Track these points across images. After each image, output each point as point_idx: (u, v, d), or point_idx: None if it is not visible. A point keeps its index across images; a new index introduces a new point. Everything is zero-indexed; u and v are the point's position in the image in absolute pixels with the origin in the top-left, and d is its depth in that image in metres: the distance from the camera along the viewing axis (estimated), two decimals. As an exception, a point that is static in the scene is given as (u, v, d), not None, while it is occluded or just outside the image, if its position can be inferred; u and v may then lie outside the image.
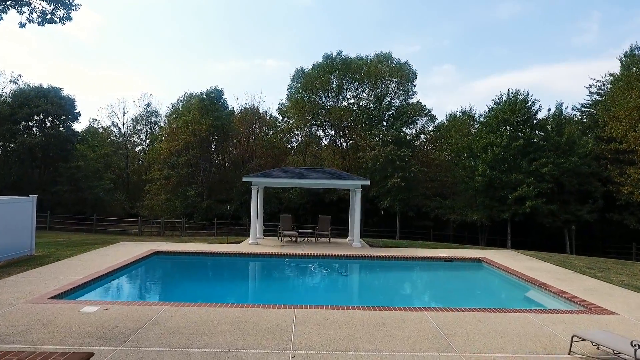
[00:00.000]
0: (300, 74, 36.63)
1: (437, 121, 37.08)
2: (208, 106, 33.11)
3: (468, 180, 29.59)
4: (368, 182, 15.80)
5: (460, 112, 38.01)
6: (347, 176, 16.55)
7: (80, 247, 14.40)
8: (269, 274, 12.86)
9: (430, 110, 35.89)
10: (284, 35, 65.67)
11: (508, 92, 29.24)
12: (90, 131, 45.34)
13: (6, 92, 32.13)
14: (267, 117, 39.43)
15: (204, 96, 33.89)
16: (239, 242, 16.43)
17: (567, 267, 12.44)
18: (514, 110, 27.82)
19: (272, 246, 15.43)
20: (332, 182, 15.81)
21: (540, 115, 29.18)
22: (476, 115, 35.83)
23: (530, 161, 27.20)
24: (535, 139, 27.90)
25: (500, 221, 30.43)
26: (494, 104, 30.12)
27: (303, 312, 7.09)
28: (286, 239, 17.07)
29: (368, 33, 64.43)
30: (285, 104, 39.37)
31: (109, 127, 44.87)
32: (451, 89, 63.09)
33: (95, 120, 46.43)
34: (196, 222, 32.19)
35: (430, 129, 36.67)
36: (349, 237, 18.21)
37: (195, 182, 34.09)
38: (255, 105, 38.20)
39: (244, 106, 38.36)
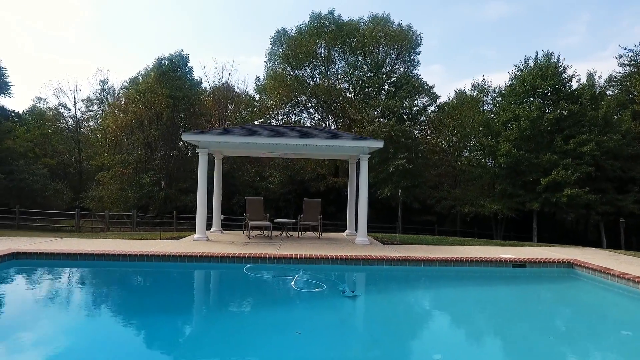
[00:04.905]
0: (282, 37, 30.11)
1: (439, 100, 31.72)
2: (167, 73, 26.69)
3: (485, 164, 24.30)
4: (381, 145, 10.12)
5: (471, 86, 32.22)
6: (347, 135, 10.85)
7: None
8: (211, 300, 6.69)
9: (432, 87, 30.51)
10: (268, 35, 60.67)
11: (536, 56, 23.92)
12: (35, 112, 38.44)
13: None
14: (243, 97, 33.38)
15: (165, 61, 27.35)
16: (180, 238, 10.65)
17: None
18: (544, 76, 22.51)
19: (229, 243, 9.71)
20: (324, 143, 9.98)
21: (574, 85, 23.96)
22: (490, 90, 30.36)
23: (566, 138, 22.02)
24: (566, 112, 22.61)
25: (517, 213, 25.30)
26: (517, 71, 24.73)
27: None
28: (253, 232, 11.38)
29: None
30: (263, 80, 33.37)
31: (56, 107, 37.77)
32: (439, 90, 59.21)
33: (41, 99, 39.32)
34: (152, 216, 26.10)
35: (432, 109, 31.20)
36: (347, 231, 12.64)
37: (152, 168, 27.93)
38: (227, 78, 31.97)
39: (216, 83, 31.94)
